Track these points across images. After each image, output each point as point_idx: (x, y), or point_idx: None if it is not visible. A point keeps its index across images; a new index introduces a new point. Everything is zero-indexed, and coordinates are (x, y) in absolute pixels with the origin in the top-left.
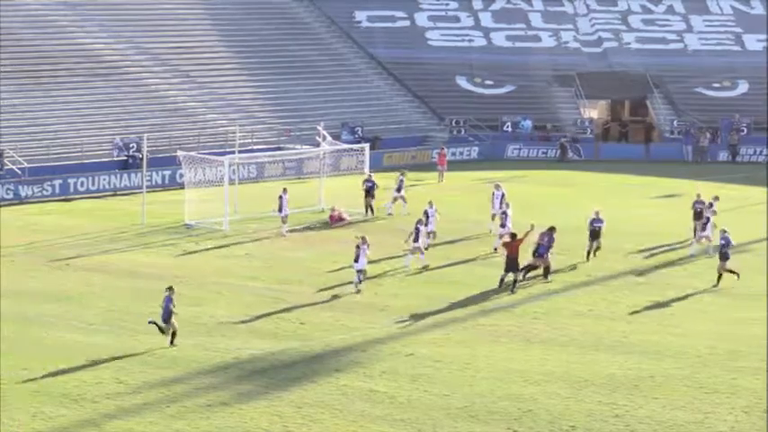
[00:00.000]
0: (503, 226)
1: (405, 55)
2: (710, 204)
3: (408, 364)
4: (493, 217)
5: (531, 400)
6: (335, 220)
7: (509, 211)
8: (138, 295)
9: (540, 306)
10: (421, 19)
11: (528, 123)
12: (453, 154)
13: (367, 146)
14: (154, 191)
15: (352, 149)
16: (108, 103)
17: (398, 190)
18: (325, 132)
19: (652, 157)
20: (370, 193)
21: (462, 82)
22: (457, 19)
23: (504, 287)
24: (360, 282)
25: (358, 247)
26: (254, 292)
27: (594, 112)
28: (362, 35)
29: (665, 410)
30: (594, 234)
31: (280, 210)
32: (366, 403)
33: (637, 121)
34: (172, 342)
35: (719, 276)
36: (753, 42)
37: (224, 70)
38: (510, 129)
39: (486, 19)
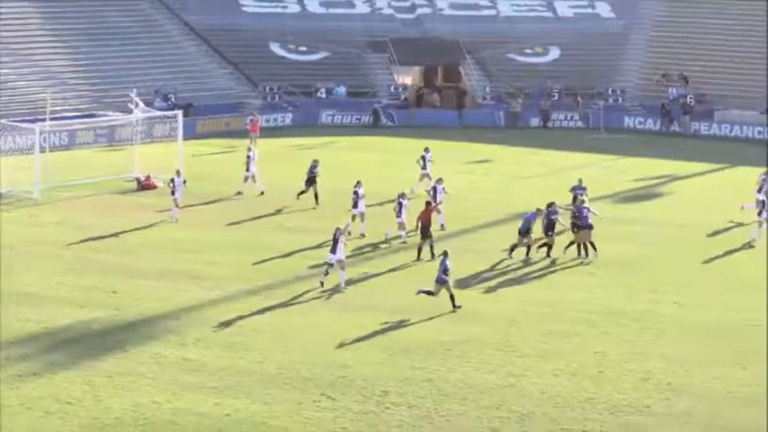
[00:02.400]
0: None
1: (218, 21)
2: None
3: (222, 331)
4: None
5: (345, 367)
6: (147, 188)
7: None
8: None
9: (356, 272)
10: None
11: (342, 90)
12: (267, 120)
13: (180, 113)
14: None
15: (165, 117)
16: None
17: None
18: (137, 99)
19: (465, 122)
20: (313, 181)
21: (276, 48)
22: None
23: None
24: (326, 274)
25: (335, 237)
26: (66, 261)
27: (408, 78)
28: (176, 1)
29: (476, 374)
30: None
31: (173, 193)
32: (179, 371)
33: (450, 87)
34: None
35: (579, 245)
36: (564, 8)
37: (34, 37)
38: (324, 95)
39: None
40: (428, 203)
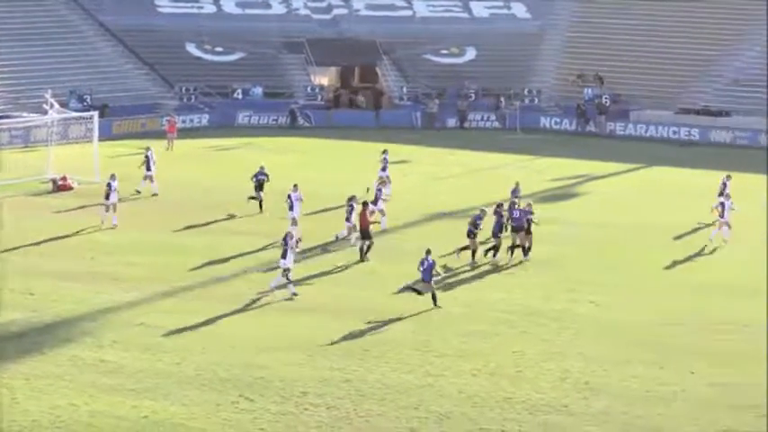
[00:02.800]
0: (374, 202)
1: (134, 22)
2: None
3: (140, 333)
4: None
5: (264, 368)
6: (62, 189)
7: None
8: None
9: (275, 274)
10: None
11: (258, 90)
12: (184, 121)
13: (95, 114)
14: None
15: (81, 118)
16: None
17: (148, 168)
18: (52, 100)
19: (382, 123)
20: (261, 186)
21: (192, 49)
22: None
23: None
24: (288, 281)
25: (285, 242)
26: None
27: (325, 78)
28: (91, 2)
29: (394, 374)
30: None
31: (108, 197)
32: (96, 373)
33: (367, 88)
34: None
35: (515, 247)
36: (480, 9)
37: None
38: (241, 96)
39: None
40: (365, 204)
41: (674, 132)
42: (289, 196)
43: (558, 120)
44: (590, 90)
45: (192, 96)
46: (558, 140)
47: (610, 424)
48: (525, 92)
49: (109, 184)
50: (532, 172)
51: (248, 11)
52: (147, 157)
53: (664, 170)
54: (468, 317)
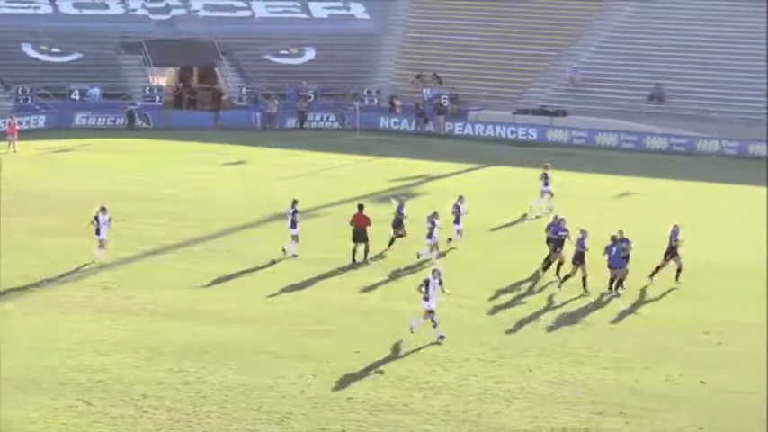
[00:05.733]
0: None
1: None
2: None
3: None
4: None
5: (102, 371)
6: None
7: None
8: None
9: (113, 275)
10: None
11: (96, 91)
12: (21, 123)
13: None
14: None
15: None
16: None
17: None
18: None
19: (222, 123)
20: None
21: (28, 49)
22: None
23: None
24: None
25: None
26: None
27: (164, 79)
28: None
29: (235, 376)
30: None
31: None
32: None
33: (206, 89)
34: None
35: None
36: (319, 10)
37: None
38: (78, 97)
39: None
40: (360, 207)
41: (512, 132)
42: (96, 218)
43: (398, 120)
44: (428, 90)
45: (29, 97)
46: (398, 141)
47: (449, 423)
48: (365, 92)
49: (96, 218)
50: (372, 172)
51: (85, 11)
52: None
53: (501, 170)
54: (311, 317)
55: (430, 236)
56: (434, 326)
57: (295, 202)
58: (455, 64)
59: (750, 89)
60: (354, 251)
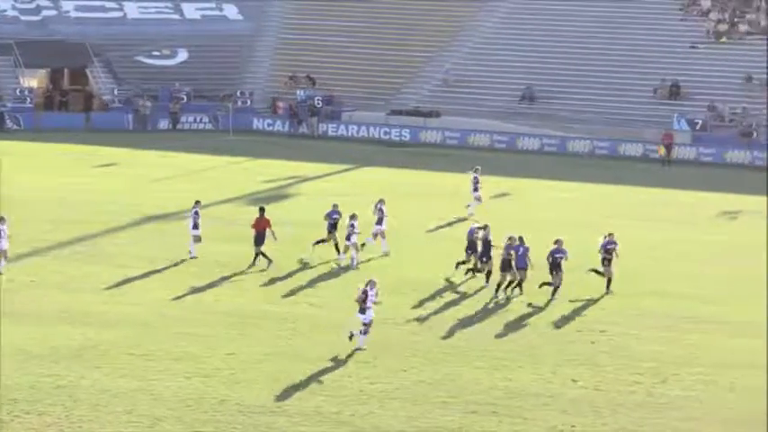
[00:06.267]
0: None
1: None
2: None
3: None
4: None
5: None
6: None
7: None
8: None
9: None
10: None
11: None
12: None
13: None
14: None
15: None
16: None
17: None
18: None
19: (94, 125)
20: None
21: None
22: None
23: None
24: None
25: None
26: None
27: (35, 81)
28: None
29: (108, 379)
30: None
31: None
32: None
33: (77, 90)
34: None
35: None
36: (192, 11)
37: None
38: None
39: None
40: (261, 210)
41: (386, 133)
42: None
43: (271, 121)
44: (302, 92)
45: None
46: (271, 142)
47: (324, 423)
48: (238, 93)
49: None
50: (246, 173)
51: None
52: None
53: (375, 170)
54: (184, 320)
55: (348, 237)
56: (363, 334)
57: (197, 203)
58: (329, 65)
59: (620, 90)
60: (257, 255)
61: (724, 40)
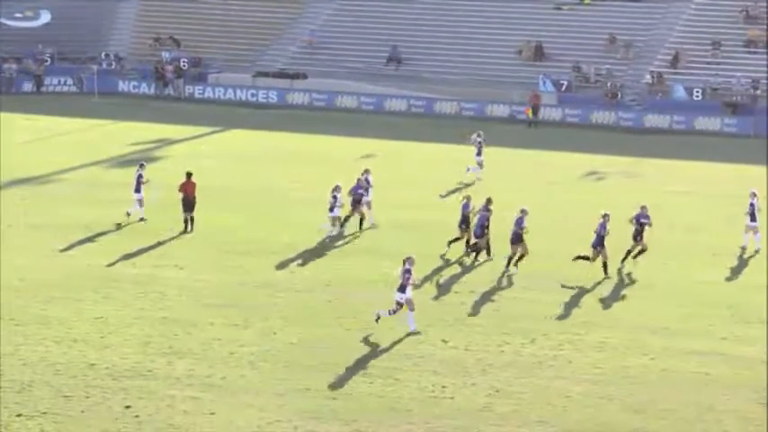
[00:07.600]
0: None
1: None
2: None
3: None
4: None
5: None
6: None
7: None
8: None
9: None
10: None
11: None
12: None
13: None
14: None
15: None
16: None
17: None
18: None
19: None
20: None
21: None
22: None
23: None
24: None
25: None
26: None
27: None
28: None
29: None
30: None
31: None
32: None
33: None
34: None
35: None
36: None
37: None
38: None
39: None
40: (189, 174)
41: (253, 95)
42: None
43: (137, 84)
44: (167, 53)
45: None
46: (137, 104)
47: (194, 386)
48: (103, 56)
49: None
50: (112, 136)
51: None
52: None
53: (240, 132)
54: (50, 284)
55: (332, 209)
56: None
57: (141, 166)
58: (194, 27)
59: (486, 51)
60: (186, 220)
61: (588, 1)
